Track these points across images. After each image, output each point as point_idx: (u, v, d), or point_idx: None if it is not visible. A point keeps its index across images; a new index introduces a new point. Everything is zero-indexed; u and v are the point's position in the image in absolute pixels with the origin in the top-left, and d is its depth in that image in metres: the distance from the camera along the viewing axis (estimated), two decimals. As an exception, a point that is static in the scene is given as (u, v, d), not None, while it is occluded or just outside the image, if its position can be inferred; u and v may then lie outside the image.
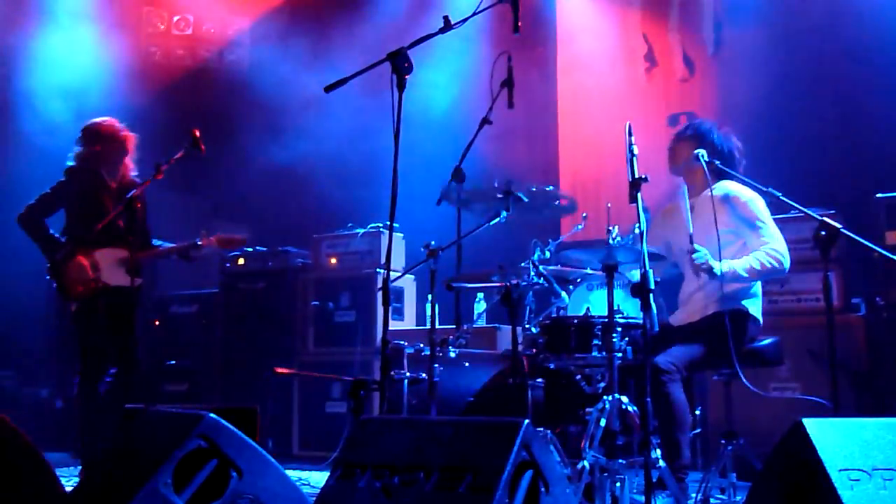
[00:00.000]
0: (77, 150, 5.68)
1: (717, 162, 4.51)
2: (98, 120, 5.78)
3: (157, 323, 7.71)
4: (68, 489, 3.56)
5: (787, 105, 6.94)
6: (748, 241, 4.49)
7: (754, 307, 4.52)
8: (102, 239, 5.49)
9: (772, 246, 4.42)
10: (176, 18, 8.64)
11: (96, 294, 5.49)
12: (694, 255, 4.33)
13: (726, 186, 4.62)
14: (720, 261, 4.31)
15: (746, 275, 4.36)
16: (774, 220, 4.63)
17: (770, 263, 4.37)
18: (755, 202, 4.55)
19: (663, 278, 4.78)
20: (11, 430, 3.81)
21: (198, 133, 5.18)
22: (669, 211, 4.90)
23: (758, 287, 4.58)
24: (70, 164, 5.65)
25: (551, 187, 4.82)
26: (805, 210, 4.13)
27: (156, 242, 5.81)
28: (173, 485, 2.94)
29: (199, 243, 5.63)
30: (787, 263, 4.42)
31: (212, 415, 3.06)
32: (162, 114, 8.08)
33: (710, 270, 4.30)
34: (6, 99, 8.01)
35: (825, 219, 3.88)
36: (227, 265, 7.55)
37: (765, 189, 4.28)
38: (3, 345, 7.90)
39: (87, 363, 5.46)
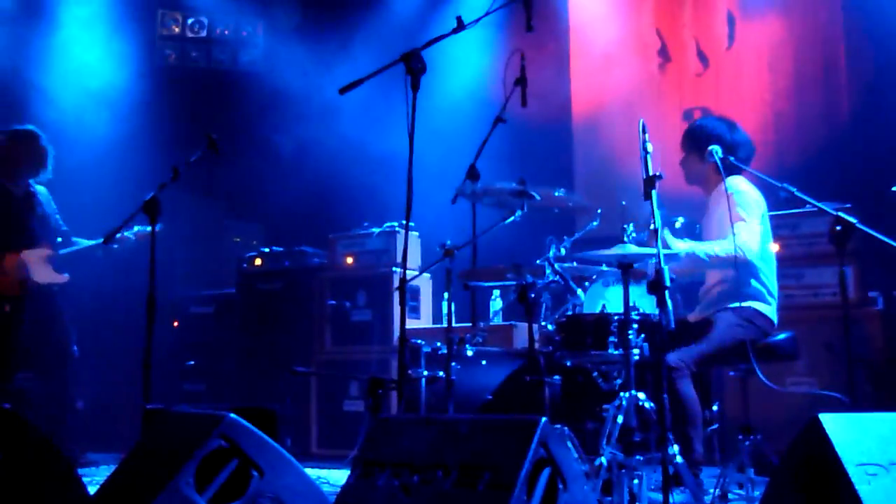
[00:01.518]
0: None
1: (731, 158, 4.52)
2: (14, 129, 6.06)
3: (175, 324, 7.75)
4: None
5: (802, 98, 6.93)
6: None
7: (766, 304, 4.52)
8: (20, 243, 5.83)
9: (739, 237, 4.38)
10: (190, 21, 8.67)
11: (24, 294, 5.79)
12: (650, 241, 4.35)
13: (728, 182, 4.62)
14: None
15: (706, 258, 4.38)
16: (790, 214, 4.63)
17: (729, 254, 4.35)
18: (742, 194, 4.53)
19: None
20: (26, 424, 3.85)
21: (214, 136, 5.22)
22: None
23: (772, 284, 4.57)
24: None
25: (562, 190, 4.82)
26: (820, 205, 4.13)
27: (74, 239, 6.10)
28: (195, 484, 2.97)
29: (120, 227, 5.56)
30: (748, 254, 4.38)
31: (232, 415, 3.09)
32: (177, 116, 8.12)
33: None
34: (22, 103, 8.05)
35: (840, 213, 3.88)
36: (244, 265, 7.58)
37: (779, 184, 4.28)
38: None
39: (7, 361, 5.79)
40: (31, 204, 6.02)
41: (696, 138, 4.67)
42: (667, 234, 4.32)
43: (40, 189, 6.10)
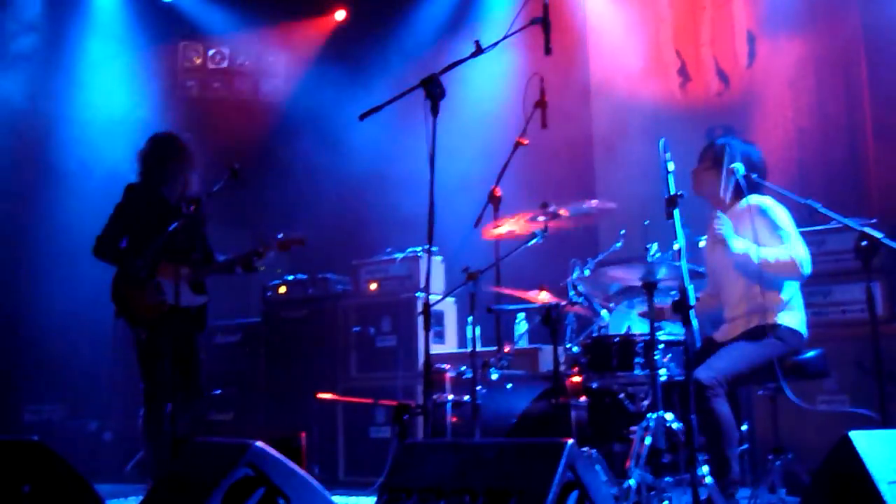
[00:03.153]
0: (138, 166, 5.58)
1: (755, 175, 4.51)
2: (159, 133, 5.72)
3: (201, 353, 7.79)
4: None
5: (825, 115, 6.90)
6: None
7: (795, 320, 4.48)
8: (163, 258, 5.32)
9: (793, 250, 4.38)
10: (211, 52, 8.77)
11: (163, 317, 5.25)
12: (715, 222, 4.34)
13: (750, 199, 4.61)
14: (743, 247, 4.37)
15: (757, 261, 4.33)
16: (815, 231, 4.61)
17: (784, 261, 4.34)
18: (773, 210, 4.53)
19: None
20: (55, 456, 3.88)
21: (236, 166, 5.26)
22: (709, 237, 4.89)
23: (799, 301, 4.54)
24: (133, 183, 5.55)
25: (590, 206, 4.82)
26: (845, 220, 4.11)
27: (220, 258, 5.65)
28: (223, 513, 2.99)
29: (260, 250, 5.49)
30: (805, 269, 4.36)
31: (258, 443, 3.10)
32: (199, 147, 8.18)
33: (724, 241, 4.33)
34: (46, 135, 8.17)
35: (866, 229, 3.86)
36: (269, 294, 7.61)
37: (803, 201, 4.26)
38: (51, 379, 8.02)
39: (153, 393, 5.26)
40: (179, 216, 5.32)
41: (719, 153, 4.66)
42: (728, 228, 4.36)
43: (194, 200, 5.45)
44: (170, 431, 5.12)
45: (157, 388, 5.25)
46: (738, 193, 4.59)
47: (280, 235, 5.61)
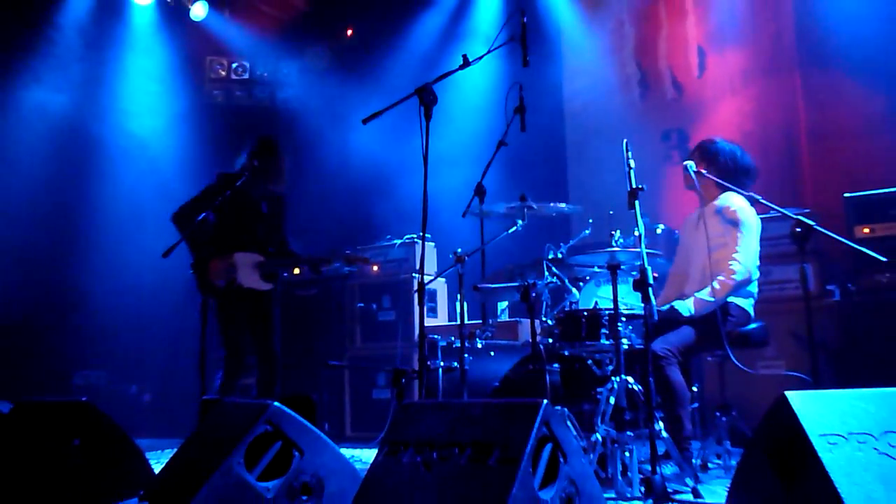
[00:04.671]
0: (241, 160, 5.46)
1: (714, 175, 4.45)
2: (263, 135, 5.59)
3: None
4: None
5: (765, 120, 6.90)
6: (729, 242, 4.42)
7: (741, 301, 4.47)
8: (242, 243, 5.30)
9: (737, 258, 4.33)
10: (234, 65, 8.71)
11: (231, 293, 5.23)
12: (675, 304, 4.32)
13: (724, 198, 4.56)
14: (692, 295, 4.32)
15: (713, 299, 4.27)
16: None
17: (731, 285, 4.30)
18: (744, 210, 4.47)
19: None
20: (101, 414, 3.88)
21: (256, 164, 5.24)
22: (686, 224, 4.85)
23: (753, 286, 4.51)
24: (226, 171, 5.46)
25: (564, 204, 4.81)
26: (782, 210, 4.11)
27: (295, 251, 5.57)
28: (245, 464, 2.98)
29: (330, 259, 5.47)
30: (747, 275, 4.34)
31: (276, 403, 3.09)
32: (225, 146, 8.16)
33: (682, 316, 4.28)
34: (88, 141, 8.13)
35: (800, 217, 3.85)
36: (285, 274, 7.58)
37: (746, 194, 4.25)
38: (97, 349, 8.02)
39: (227, 359, 5.22)
40: (260, 209, 5.44)
41: (706, 152, 4.61)
42: (678, 304, 4.30)
43: (276, 197, 5.56)
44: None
45: (229, 353, 5.21)
46: (720, 189, 4.55)
47: (348, 251, 5.64)
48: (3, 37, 7.47)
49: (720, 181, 4.45)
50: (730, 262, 4.33)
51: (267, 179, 5.42)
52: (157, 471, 3.64)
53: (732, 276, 4.31)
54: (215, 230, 5.34)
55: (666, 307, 4.29)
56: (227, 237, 5.31)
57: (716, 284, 4.31)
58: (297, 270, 7.46)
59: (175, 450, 3.33)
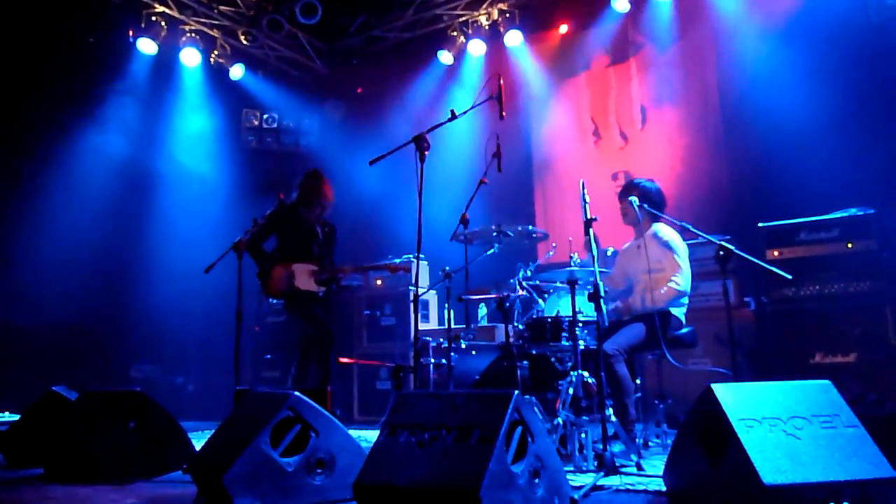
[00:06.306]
0: (295, 191, 5.63)
1: (646, 205, 4.50)
2: (310, 170, 5.73)
3: (256, 329, 7.72)
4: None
5: (696, 163, 6.94)
6: (666, 267, 4.45)
7: (676, 310, 4.48)
8: (299, 257, 5.48)
9: (673, 276, 4.36)
10: (265, 116, 8.72)
11: (290, 295, 5.42)
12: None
13: (656, 227, 4.60)
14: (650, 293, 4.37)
15: (664, 301, 4.36)
16: (688, 244, 4.61)
17: (671, 291, 4.34)
18: (668, 236, 4.51)
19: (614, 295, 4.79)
20: (152, 402, 3.85)
21: (282, 196, 5.26)
22: (627, 251, 4.87)
23: (684, 298, 4.53)
24: (283, 200, 5.59)
25: (531, 227, 4.82)
26: (708, 237, 4.14)
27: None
28: (270, 443, 2.96)
29: (377, 266, 5.75)
30: (685, 287, 4.37)
31: (296, 393, 3.08)
32: (257, 184, 8.18)
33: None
34: (146, 177, 8.11)
35: (723, 242, 3.88)
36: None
37: (679, 223, 4.28)
38: (150, 346, 7.96)
39: (297, 353, 5.40)
40: (315, 232, 5.61)
41: (629, 190, 4.65)
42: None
43: (329, 224, 5.72)
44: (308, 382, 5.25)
45: (296, 349, 5.36)
46: (651, 219, 4.57)
47: (390, 260, 5.84)
48: (82, 91, 7.49)
49: (656, 212, 4.49)
50: (670, 282, 4.36)
51: (313, 203, 5.55)
52: (198, 448, 3.61)
53: (676, 289, 4.35)
54: (278, 246, 5.53)
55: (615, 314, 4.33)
56: (287, 251, 5.50)
57: (663, 290, 4.33)
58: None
59: (213, 431, 3.30)
